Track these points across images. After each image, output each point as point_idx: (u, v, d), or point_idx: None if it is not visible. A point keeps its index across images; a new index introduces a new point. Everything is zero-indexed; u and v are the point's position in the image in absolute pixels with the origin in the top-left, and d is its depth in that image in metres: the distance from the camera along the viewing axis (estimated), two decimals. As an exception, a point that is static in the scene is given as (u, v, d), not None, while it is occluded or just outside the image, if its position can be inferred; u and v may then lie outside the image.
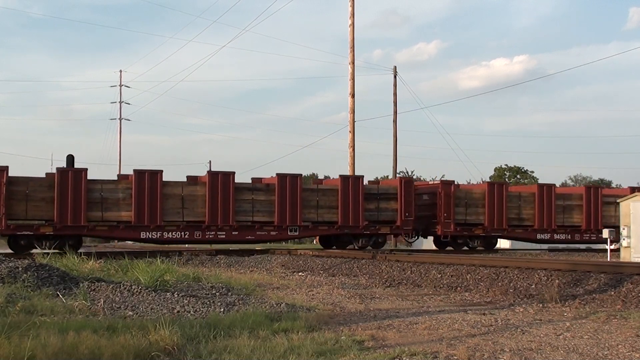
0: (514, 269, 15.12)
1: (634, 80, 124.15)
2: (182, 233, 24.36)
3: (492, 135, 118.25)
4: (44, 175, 23.09)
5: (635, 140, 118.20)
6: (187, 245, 31.94)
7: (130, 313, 9.44)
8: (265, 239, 26.31)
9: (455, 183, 30.62)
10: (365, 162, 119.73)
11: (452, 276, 15.61)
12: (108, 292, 11.13)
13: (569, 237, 30.75)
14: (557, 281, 13.49)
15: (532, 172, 72.96)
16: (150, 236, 23.89)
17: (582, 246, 33.08)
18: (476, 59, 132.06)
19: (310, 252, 23.23)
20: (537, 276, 14.18)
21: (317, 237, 30.87)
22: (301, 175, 26.15)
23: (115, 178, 24.56)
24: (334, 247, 26.76)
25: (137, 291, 11.25)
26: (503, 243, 35.04)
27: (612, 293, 12.11)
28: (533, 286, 13.58)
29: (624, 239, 22.26)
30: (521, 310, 10.91)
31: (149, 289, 11.52)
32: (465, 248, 29.08)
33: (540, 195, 29.67)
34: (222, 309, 9.92)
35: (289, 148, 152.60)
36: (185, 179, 25.36)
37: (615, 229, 29.81)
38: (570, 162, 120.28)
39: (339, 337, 7.86)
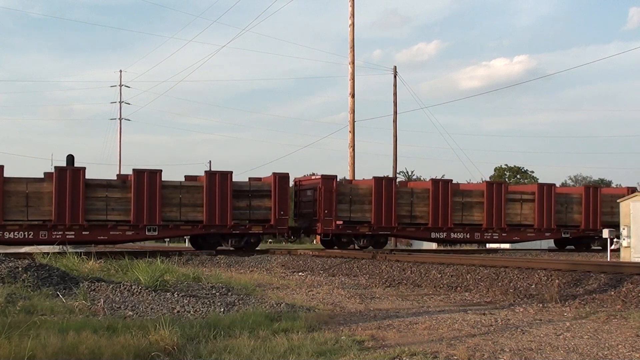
0: (514, 269, 15.13)
1: (634, 80, 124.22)
2: (26, 233, 22.67)
3: (492, 135, 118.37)
4: None
5: (635, 140, 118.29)
6: (186, 245, 31.77)
7: (130, 313, 9.44)
8: (119, 239, 24.45)
9: (346, 178, 28.92)
10: (365, 162, 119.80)
11: (452, 276, 15.62)
12: (108, 292, 11.13)
13: (468, 236, 28.79)
14: (557, 281, 13.49)
15: (532, 172, 73.06)
16: None
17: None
18: (476, 59, 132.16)
19: (310, 252, 23.24)
20: (537, 276, 14.18)
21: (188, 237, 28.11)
22: (161, 170, 23.99)
23: None
24: (204, 248, 24.89)
25: (137, 291, 11.25)
26: (503, 243, 33.87)
27: (612, 293, 12.11)
28: (533, 286, 13.58)
29: (624, 239, 22.26)
30: (521, 310, 10.91)
31: (149, 289, 11.52)
32: (355, 248, 27.15)
33: (435, 191, 27.74)
34: (222, 309, 9.92)
35: (289, 148, 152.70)
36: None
37: (521, 227, 29.43)
38: (570, 162, 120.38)
39: (339, 337, 7.86)
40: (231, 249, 25.25)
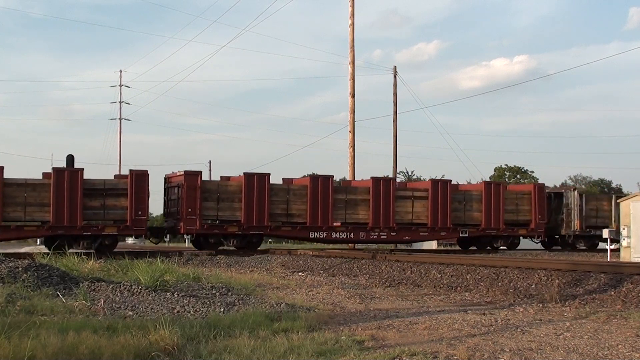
0: (514, 269, 15.13)
1: (634, 80, 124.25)
2: None
3: (492, 135, 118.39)
4: None
5: (635, 140, 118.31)
6: (186, 245, 31.77)
7: (130, 313, 9.44)
8: None
9: (227, 175, 26.68)
10: (366, 162, 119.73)
11: (452, 276, 15.62)
12: (108, 292, 11.13)
13: (352, 235, 27.04)
14: (557, 281, 13.49)
15: (532, 172, 73.04)
16: None
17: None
18: (476, 59, 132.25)
19: (310, 252, 23.24)
20: (537, 276, 14.18)
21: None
22: (3, 167, 22.42)
23: None
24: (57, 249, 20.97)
25: (137, 291, 11.25)
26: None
27: (612, 293, 12.11)
28: (533, 286, 13.58)
29: (623, 239, 22.27)
30: (521, 310, 10.91)
31: (149, 289, 11.52)
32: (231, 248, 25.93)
33: (314, 188, 25.91)
34: (222, 309, 9.92)
35: (289, 148, 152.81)
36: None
37: (412, 226, 27.71)
38: (570, 162, 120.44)
39: (339, 337, 7.86)
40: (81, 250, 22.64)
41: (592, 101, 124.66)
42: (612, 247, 23.40)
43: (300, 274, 18.34)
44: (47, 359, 6.44)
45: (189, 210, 24.29)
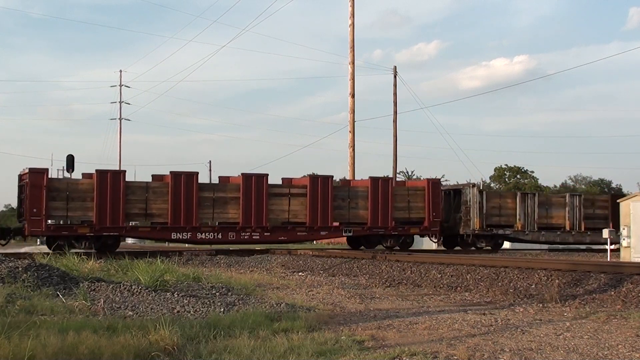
0: (514, 269, 15.12)
1: (634, 80, 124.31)
2: None
3: (492, 135, 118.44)
4: None
5: (635, 140, 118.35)
6: (187, 245, 31.72)
7: (130, 313, 9.44)
8: None
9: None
10: (366, 162, 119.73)
11: (452, 276, 15.61)
12: (108, 292, 11.12)
13: (220, 236, 25.19)
14: (557, 281, 13.49)
15: (532, 172, 73.04)
16: None
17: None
18: (476, 59, 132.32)
19: (310, 252, 23.25)
20: (537, 276, 14.17)
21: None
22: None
23: None
24: None
25: (137, 291, 11.25)
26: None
27: (612, 293, 12.11)
28: (533, 286, 13.58)
29: (623, 239, 22.26)
30: (521, 310, 10.91)
31: (149, 289, 11.51)
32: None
33: (176, 186, 24.14)
34: (222, 309, 9.91)
35: (289, 148, 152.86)
36: None
37: (289, 225, 25.57)
38: (570, 162, 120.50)
39: (339, 337, 7.85)
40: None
41: (592, 101, 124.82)
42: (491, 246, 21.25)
43: (300, 274, 18.34)
44: (47, 359, 6.44)
45: (34, 210, 22.60)
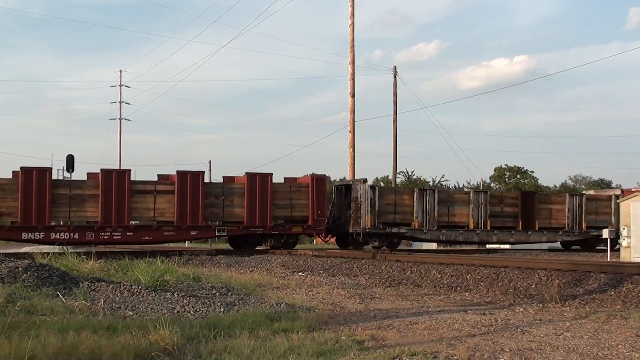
0: (514, 269, 15.13)
1: (634, 80, 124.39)
2: None
3: (492, 135, 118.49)
4: None
5: (635, 140, 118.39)
6: (187, 245, 31.72)
7: (130, 313, 9.44)
8: None
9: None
10: (366, 162, 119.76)
11: (452, 276, 15.61)
12: (108, 292, 11.12)
13: (77, 236, 23.59)
14: (557, 281, 13.49)
15: (532, 172, 73.05)
16: None
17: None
18: (476, 59, 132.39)
19: (310, 252, 23.26)
20: (537, 276, 14.17)
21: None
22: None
23: None
24: None
25: (137, 291, 11.25)
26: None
27: (612, 293, 12.11)
28: (533, 286, 13.58)
29: (623, 239, 22.27)
30: (521, 310, 10.91)
31: (149, 289, 11.51)
32: None
33: (27, 182, 22.71)
34: (222, 309, 9.91)
35: (289, 148, 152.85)
36: None
37: (155, 224, 24.11)
38: (570, 162, 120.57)
39: (339, 337, 7.85)
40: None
41: (592, 101, 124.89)
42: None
43: (300, 274, 18.34)
44: (47, 359, 6.44)
45: None
